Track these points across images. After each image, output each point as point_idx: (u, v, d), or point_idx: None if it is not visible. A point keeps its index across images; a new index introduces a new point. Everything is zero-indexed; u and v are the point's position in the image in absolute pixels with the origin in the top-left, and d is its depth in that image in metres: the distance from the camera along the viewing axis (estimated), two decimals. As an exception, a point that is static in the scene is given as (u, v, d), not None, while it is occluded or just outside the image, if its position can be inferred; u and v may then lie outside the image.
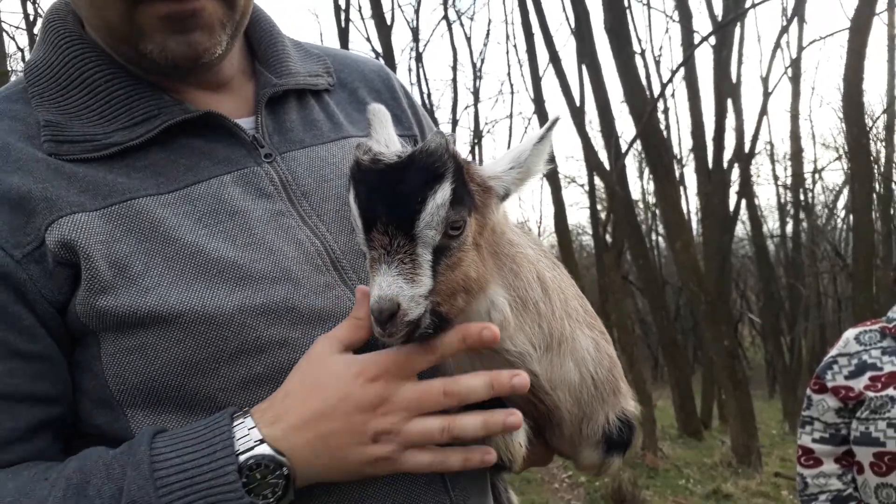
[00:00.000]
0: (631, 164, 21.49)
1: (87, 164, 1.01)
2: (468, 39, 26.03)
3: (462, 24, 33.53)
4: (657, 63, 16.58)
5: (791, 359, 17.62)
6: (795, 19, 14.93)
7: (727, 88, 12.26)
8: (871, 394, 2.20)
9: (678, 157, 18.18)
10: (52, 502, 0.88)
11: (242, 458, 0.89)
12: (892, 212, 15.29)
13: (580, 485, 8.78)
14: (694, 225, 16.68)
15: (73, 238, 0.95)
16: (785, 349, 17.92)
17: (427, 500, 1.05)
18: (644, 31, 24.55)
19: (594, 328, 1.14)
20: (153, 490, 0.86)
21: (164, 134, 1.05)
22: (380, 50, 13.36)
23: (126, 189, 1.01)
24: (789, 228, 19.65)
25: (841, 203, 21.88)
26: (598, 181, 13.86)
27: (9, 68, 9.35)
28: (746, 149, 13.22)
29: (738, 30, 12.76)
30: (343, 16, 13.78)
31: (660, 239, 21.57)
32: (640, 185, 23.32)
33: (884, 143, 15.05)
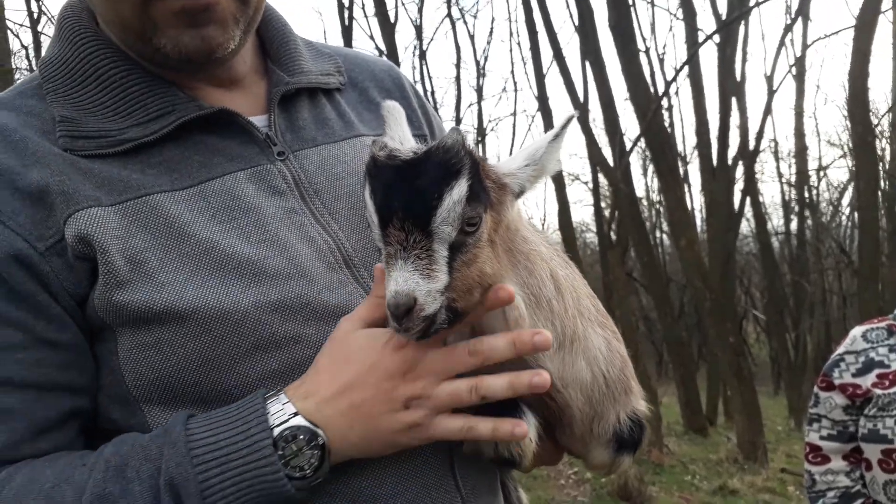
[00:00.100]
0: (635, 161, 21.44)
1: (101, 159, 1.02)
2: (472, 37, 25.77)
3: (465, 22, 33.44)
4: (661, 61, 16.70)
5: (796, 355, 17.58)
6: (800, 17, 14.86)
7: (731, 86, 12.23)
8: (878, 391, 2.20)
9: (682, 154, 18.16)
10: (93, 485, 0.89)
11: (277, 430, 0.91)
12: (897, 209, 15.24)
13: (586, 481, 8.78)
14: (698, 222, 16.72)
15: (89, 232, 0.96)
16: (790, 346, 17.88)
17: (438, 497, 1.05)
18: (648, 28, 24.40)
19: (606, 327, 1.14)
20: (191, 467, 0.88)
21: (179, 130, 1.05)
22: (383, 48, 13.31)
23: (140, 185, 1.01)
24: (794, 226, 19.63)
25: (846, 200, 21.89)
26: (602, 178, 13.85)
27: (13, 66, 9.36)
28: (751, 146, 13.20)
29: (742, 28, 12.72)
30: (347, 13, 13.74)
31: (664, 236, 21.58)
32: (644, 182, 23.34)
33: (889, 141, 14.96)
